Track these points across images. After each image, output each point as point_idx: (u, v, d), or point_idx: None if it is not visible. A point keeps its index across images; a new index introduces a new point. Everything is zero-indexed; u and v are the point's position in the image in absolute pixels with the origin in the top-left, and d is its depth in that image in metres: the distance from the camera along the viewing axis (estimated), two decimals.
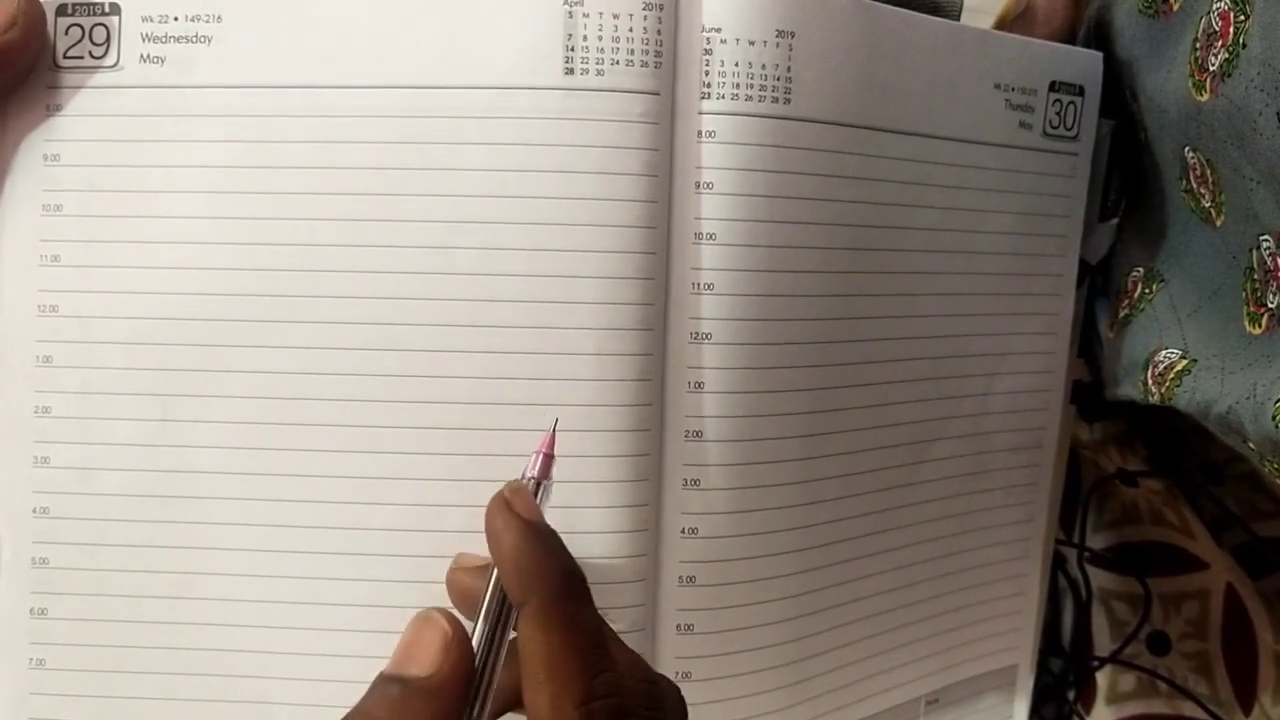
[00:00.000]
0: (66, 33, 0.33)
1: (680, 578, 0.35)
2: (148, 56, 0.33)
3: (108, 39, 0.33)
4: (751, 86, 0.34)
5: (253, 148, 0.33)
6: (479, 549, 0.32)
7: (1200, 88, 0.34)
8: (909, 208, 0.37)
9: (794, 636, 0.37)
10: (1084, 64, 0.40)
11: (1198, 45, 0.34)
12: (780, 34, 0.34)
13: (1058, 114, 0.40)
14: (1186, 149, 0.37)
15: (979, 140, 0.39)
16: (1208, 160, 0.35)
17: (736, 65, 0.34)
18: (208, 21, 0.33)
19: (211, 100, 0.33)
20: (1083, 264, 0.43)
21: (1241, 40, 0.31)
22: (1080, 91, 0.40)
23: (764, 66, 0.34)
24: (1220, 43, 0.32)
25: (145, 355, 0.33)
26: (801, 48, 0.34)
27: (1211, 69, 0.33)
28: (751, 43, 0.34)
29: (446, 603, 0.32)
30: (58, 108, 0.33)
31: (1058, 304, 0.42)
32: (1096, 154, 0.41)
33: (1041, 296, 0.42)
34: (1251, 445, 0.34)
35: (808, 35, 0.34)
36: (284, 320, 0.33)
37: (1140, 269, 0.42)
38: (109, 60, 0.33)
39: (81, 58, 0.33)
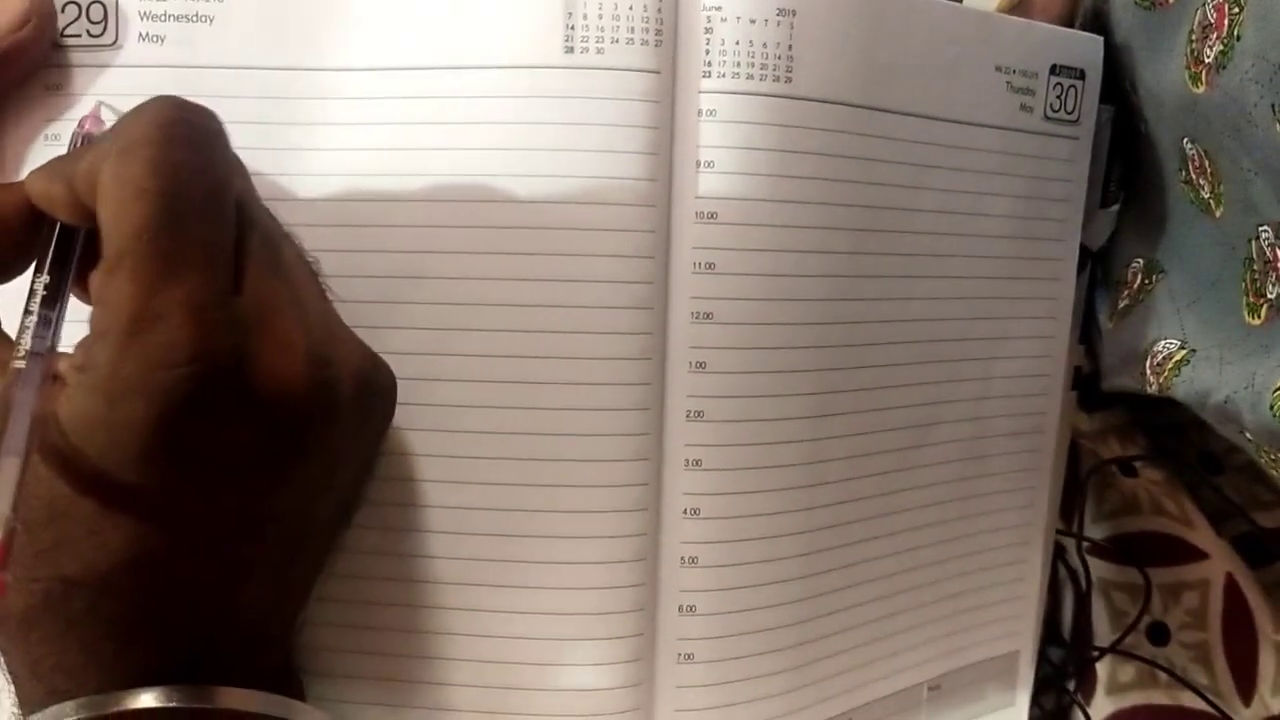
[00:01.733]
0: (63, 10, 0.35)
1: (682, 559, 0.38)
2: (147, 35, 0.35)
3: (105, 17, 0.35)
4: (752, 65, 0.37)
5: (256, 130, 0.35)
6: (474, 525, 0.36)
7: (1196, 79, 0.37)
8: (910, 189, 0.40)
9: (797, 619, 0.40)
10: (1085, 47, 0.44)
11: (1193, 37, 0.37)
12: (781, 12, 0.37)
13: (1058, 97, 0.43)
14: (1185, 140, 0.40)
15: (980, 123, 0.42)
16: (1206, 151, 0.38)
17: (737, 44, 0.36)
18: (208, 0, 0.35)
19: (214, 81, 0.35)
20: (1084, 250, 0.46)
21: (1236, 32, 0.34)
22: (1081, 75, 0.43)
23: (765, 45, 0.37)
24: (1215, 34, 0.35)
25: None
26: (803, 26, 0.37)
27: (1207, 61, 0.36)
28: (753, 21, 0.37)
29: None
30: (57, 87, 0.35)
31: (1058, 289, 0.45)
32: (1097, 139, 0.45)
33: (1042, 281, 0.45)
34: (1248, 436, 0.37)
35: (809, 14, 0.37)
36: None
37: (1140, 260, 0.46)
38: (107, 39, 0.35)
39: (79, 36, 0.35)
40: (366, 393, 0.31)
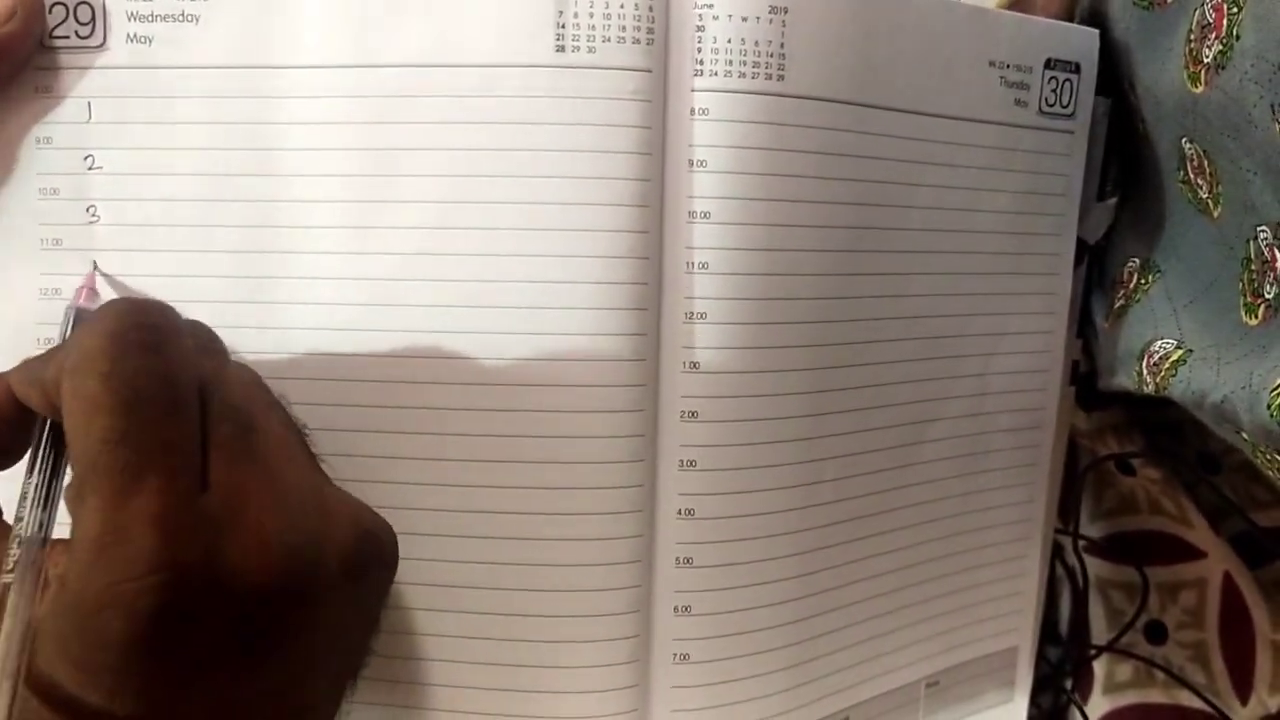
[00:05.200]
0: (50, 11, 0.36)
1: (677, 559, 0.39)
2: (135, 36, 0.37)
3: (93, 18, 0.37)
4: (745, 63, 0.38)
5: (246, 130, 0.37)
6: (468, 528, 0.37)
7: (1195, 79, 0.38)
8: (905, 186, 0.42)
9: (793, 618, 0.42)
10: (1080, 41, 0.45)
11: (1192, 37, 0.38)
12: (774, 9, 0.38)
13: (1054, 92, 0.45)
14: (1184, 140, 0.41)
15: (974, 118, 0.43)
16: (1205, 151, 0.40)
17: (729, 41, 0.38)
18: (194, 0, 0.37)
19: (202, 82, 0.37)
20: (1081, 243, 0.47)
21: (1235, 32, 0.35)
22: (1076, 69, 0.45)
23: (757, 43, 0.38)
24: (1214, 34, 0.36)
25: None
26: (795, 23, 0.38)
27: (1206, 61, 0.37)
28: (744, 19, 0.38)
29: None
30: (47, 89, 0.37)
31: (1055, 283, 0.47)
32: (1094, 132, 0.46)
33: (1039, 276, 0.46)
34: (1245, 436, 0.38)
35: (801, 11, 0.38)
36: (282, 302, 0.37)
37: (1137, 260, 0.47)
38: (95, 40, 0.37)
39: (68, 37, 0.37)
40: (359, 566, 0.31)
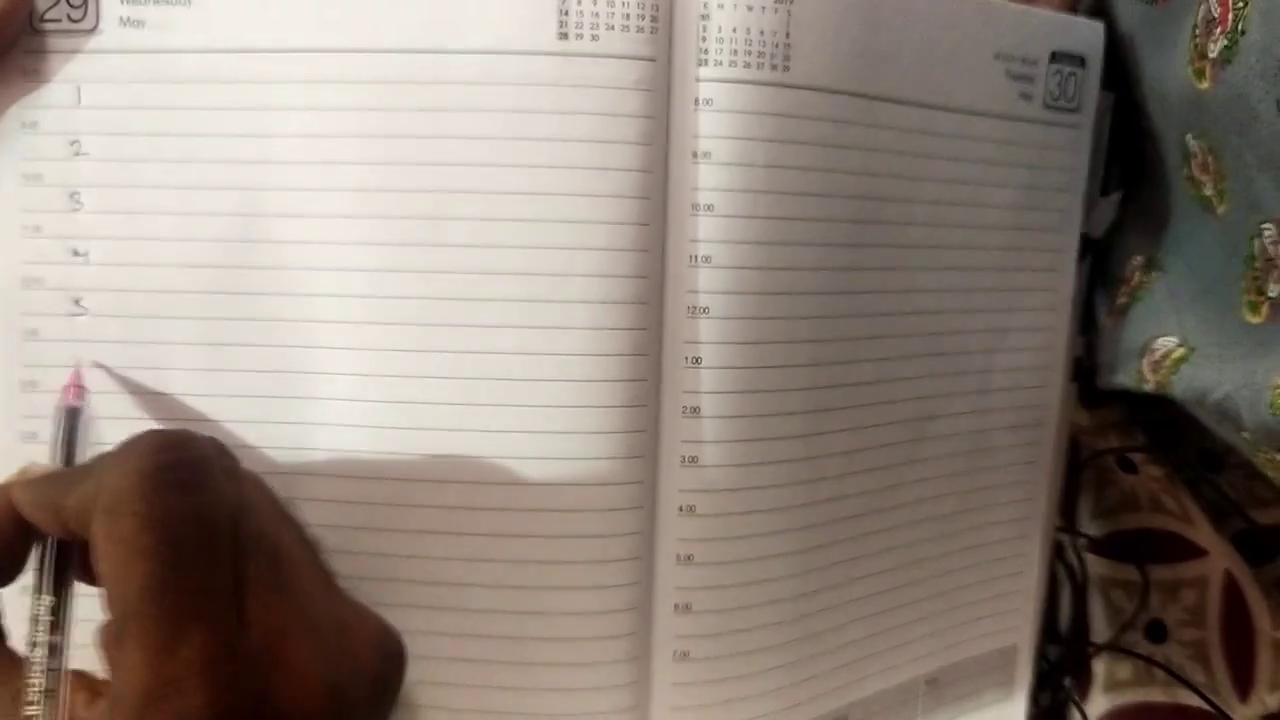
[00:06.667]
0: None
1: (678, 555, 0.39)
2: (127, 19, 0.36)
3: (85, 1, 0.36)
4: (749, 53, 0.38)
5: (239, 115, 0.37)
6: (467, 526, 0.37)
7: (1200, 75, 0.38)
8: (909, 179, 0.42)
9: (793, 616, 0.42)
10: (1085, 34, 0.45)
11: (1197, 32, 0.38)
12: None
13: (1059, 85, 0.45)
14: (1188, 136, 0.41)
15: (979, 111, 0.43)
16: (1209, 148, 0.40)
17: (734, 31, 0.38)
18: None
19: (194, 65, 0.37)
20: (1085, 238, 0.48)
21: (1241, 27, 0.35)
22: (1081, 62, 0.45)
23: (762, 33, 0.38)
24: (1220, 29, 0.37)
25: (136, 328, 0.37)
26: (800, 13, 0.38)
27: (1211, 56, 0.37)
28: (749, 8, 0.38)
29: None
30: (35, 72, 0.37)
31: (1058, 279, 0.47)
32: (1098, 127, 0.46)
33: (1042, 272, 0.47)
34: (1246, 435, 0.39)
35: (806, 0, 0.38)
36: (274, 293, 0.37)
37: (1140, 257, 0.47)
38: (87, 23, 0.36)
39: (59, 20, 0.36)
40: (384, 689, 0.31)
